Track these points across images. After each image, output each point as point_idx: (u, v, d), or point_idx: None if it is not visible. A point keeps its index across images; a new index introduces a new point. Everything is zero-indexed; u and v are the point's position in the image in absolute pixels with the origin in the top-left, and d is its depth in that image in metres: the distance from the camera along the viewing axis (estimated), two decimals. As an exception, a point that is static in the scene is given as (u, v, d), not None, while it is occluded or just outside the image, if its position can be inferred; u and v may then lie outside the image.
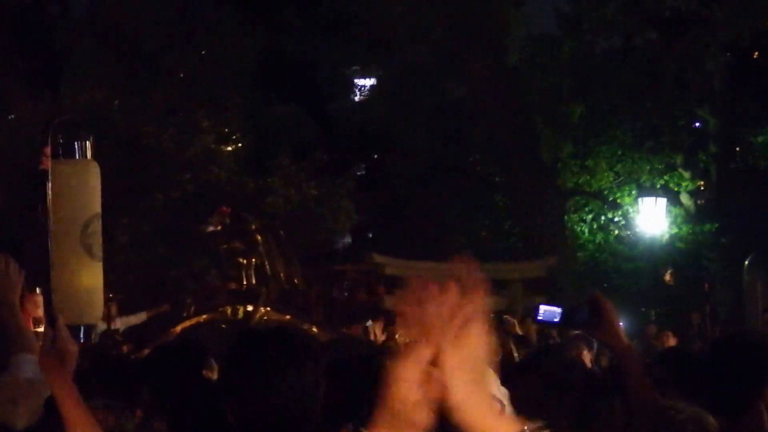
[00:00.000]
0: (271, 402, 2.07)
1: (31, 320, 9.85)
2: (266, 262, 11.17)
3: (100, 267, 5.90)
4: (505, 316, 8.14)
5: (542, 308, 2.63)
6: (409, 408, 1.30)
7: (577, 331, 5.47)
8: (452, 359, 1.26)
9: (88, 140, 5.82)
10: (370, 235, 20.82)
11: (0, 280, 2.79)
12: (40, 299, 10.17)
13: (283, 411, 2.07)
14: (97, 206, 5.65)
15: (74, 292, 5.49)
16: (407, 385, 1.28)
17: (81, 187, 5.59)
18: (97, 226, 5.50)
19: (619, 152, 18.70)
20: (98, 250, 5.61)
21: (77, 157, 5.72)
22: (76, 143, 6.05)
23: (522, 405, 2.84)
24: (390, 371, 1.29)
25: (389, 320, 11.74)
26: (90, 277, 5.69)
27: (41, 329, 9.84)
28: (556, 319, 2.65)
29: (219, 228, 11.84)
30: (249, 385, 2.11)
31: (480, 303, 1.26)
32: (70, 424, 2.39)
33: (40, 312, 9.99)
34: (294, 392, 2.07)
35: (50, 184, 5.27)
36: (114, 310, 11.87)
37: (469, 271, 1.28)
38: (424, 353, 1.26)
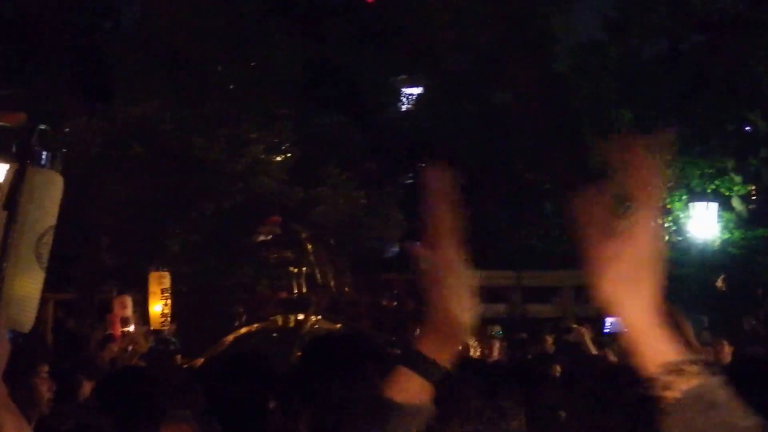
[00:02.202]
0: (350, 405, 2.02)
1: (119, 320, 10.13)
2: (316, 271, 11.28)
3: (43, 277, 5.99)
4: (574, 326, 8.02)
5: (608, 320, 2.58)
6: (450, 316, 1.37)
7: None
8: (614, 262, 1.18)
9: (59, 153, 5.95)
10: (419, 244, 20.81)
11: None
12: (128, 300, 10.43)
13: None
14: (54, 219, 5.82)
15: (13, 296, 5.43)
16: (446, 292, 1.34)
17: (47, 197, 5.71)
18: (50, 238, 5.63)
19: (668, 157, 18.47)
20: (45, 260, 5.72)
21: (44, 166, 5.84)
22: (44, 153, 6.22)
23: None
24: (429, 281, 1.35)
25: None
26: (31, 285, 5.68)
27: (129, 328, 10.12)
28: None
29: (269, 237, 11.98)
30: (328, 389, 2.07)
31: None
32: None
33: (128, 312, 10.25)
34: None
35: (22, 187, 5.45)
36: (172, 328, 12.04)
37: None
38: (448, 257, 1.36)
